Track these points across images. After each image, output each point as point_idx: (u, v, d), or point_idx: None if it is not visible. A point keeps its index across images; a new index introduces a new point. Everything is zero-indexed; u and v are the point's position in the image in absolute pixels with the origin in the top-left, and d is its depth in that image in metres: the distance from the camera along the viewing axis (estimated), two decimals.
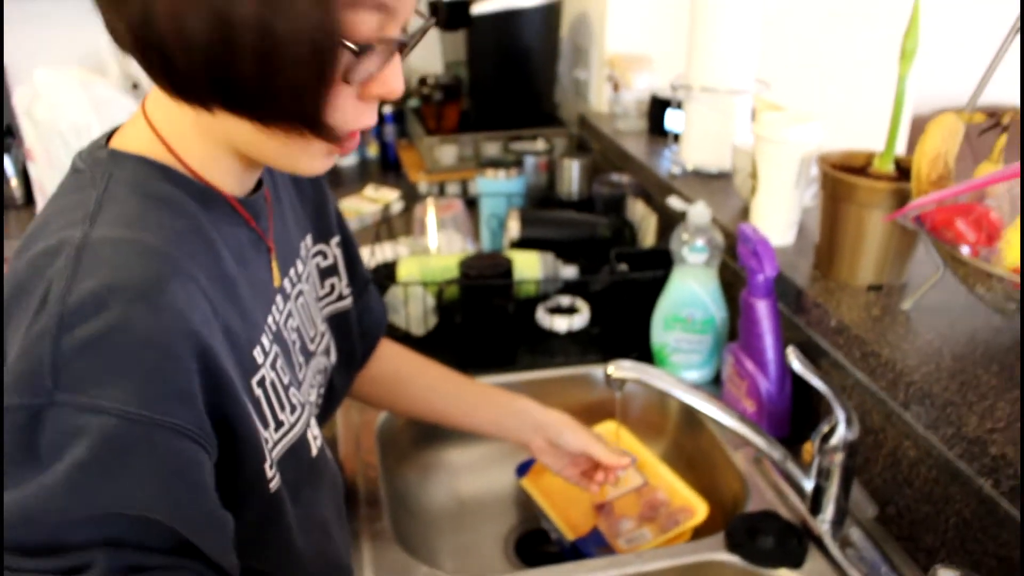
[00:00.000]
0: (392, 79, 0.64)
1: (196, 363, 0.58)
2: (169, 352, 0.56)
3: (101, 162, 0.65)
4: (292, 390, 0.74)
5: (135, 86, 2.39)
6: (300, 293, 0.83)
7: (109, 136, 0.69)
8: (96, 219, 0.59)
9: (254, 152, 0.66)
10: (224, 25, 0.54)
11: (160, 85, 0.61)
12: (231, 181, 0.70)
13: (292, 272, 0.82)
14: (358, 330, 1.00)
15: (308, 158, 0.67)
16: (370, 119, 0.66)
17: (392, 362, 1.09)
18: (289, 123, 0.60)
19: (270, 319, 0.74)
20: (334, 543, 0.81)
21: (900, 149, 1.05)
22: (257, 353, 0.68)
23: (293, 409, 0.73)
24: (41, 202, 2.14)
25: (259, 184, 0.76)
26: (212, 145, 0.67)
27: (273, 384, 0.70)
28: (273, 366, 0.71)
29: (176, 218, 0.63)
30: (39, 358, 0.53)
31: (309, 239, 0.90)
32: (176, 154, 0.66)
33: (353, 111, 0.64)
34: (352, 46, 0.58)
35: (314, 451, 0.77)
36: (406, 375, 1.09)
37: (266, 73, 0.56)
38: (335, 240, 0.95)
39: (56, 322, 0.53)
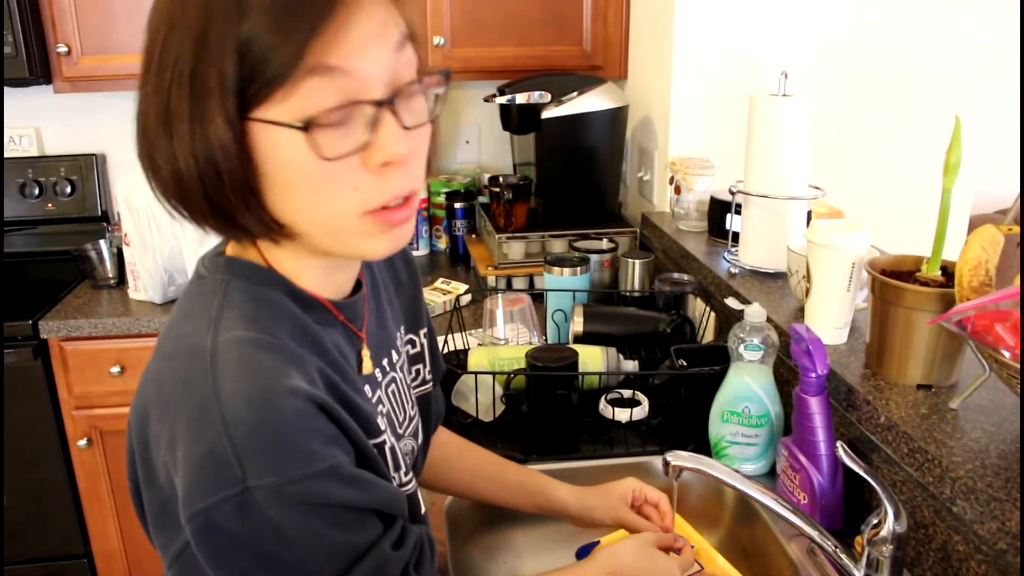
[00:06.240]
0: (389, 143, 0.66)
1: (325, 418, 0.69)
2: (308, 416, 0.67)
3: (220, 268, 0.76)
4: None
5: None
6: (392, 380, 0.92)
7: (226, 242, 0.80)
8: (219, 324, 0.70)
9: (319, 248, 0.73)
10: (176, 170, 0.67)
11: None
12: (324, 284, 0.79)
13: (385, 361, 0.91)
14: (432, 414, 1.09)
15: (364, 241, 0.71)
16: (398, 186, 0.69)
17: (439, 446, 1.17)
18: (262, 229, 0.70)
19: None
20: None
21: (956, 251, 1.10)
22: (380, 421, 0.79)
23: (406, 472, 0.86)
24: (132, 283, 2.30)
25: (358, 285, 0.85)
26: (295, 256, 0.76)
27: (392, 448, 0.82)
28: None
29: (283, 319, 0.74)
30: (223, 456, 0.63)
31: (403, 329, 0.99)
32: (269, 264, 0.76)
33: (369, 183, 0.67)
34: (296, 124, 0.63)
35: (423, 508, 0.89)
36: (452, 458, 1.18)
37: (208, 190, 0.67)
38: (423, 331, 1.05)
39: (223, 425, 0.64)
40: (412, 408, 0.98)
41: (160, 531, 0.72)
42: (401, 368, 0.95)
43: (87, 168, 2.67)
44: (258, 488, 0.63)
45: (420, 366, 1.04)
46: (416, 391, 1.03)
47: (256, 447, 0.64)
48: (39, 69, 2.31)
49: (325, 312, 0.80)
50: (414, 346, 1.03)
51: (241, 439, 0.63)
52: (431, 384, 1.07)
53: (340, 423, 0.70)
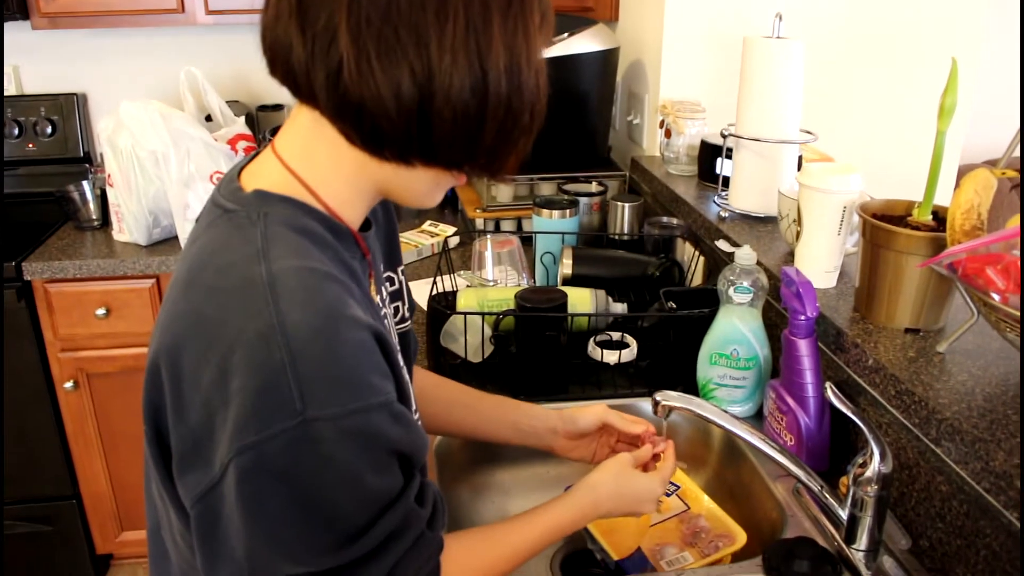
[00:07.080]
0: None
1: (379, 351, 0.70)
2: (369, 349, 0.68)
3: (251, 202, 0.74)
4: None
5: (208, 118, 2.52)
6: (385, 315, 0.92)
7: (237, 174, 0.78)
8: (268, 254, 0.69)
9: (403, 194, 0.78)
10: (481, 103, 0.68)
11: (369, 145, 0.71)
12: (356, 218, 0.80)
13: (378, 298, 0.91)
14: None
15: (440, 192, 0.80)
16: None
17: (414, 382, 1.17)
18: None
19: None
20: None
21: (946, 198, 1.10)
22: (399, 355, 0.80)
23: (415, 408, 0.87)
24: (116, 225, 2.27)
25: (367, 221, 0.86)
26: (354, 189, 0.77)
27: (405, 381, 0.83)
28: None
29: (324, 248, 0.74)
30: (284, 387, 0.63)
31: (381, 266, 0.99)
32: (317, 196, 0.76)
33: None
34: None
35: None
36: (427, 392, 1.17)
37: (503, 137, 0.72)
38: (400, 268, 1.05)
39: (287, 355, 0.63)
40: (396, 344, 0.98)
41: (187, 472, 0.69)
42: (386, 303, 0.96)
43: (68, 108, 2.63)
44: (316, 420, 0.63)
45: (399, 303, 1.05)
46: (398, 328, 1.03)
47: (320, 378, 0.64)
48: (16, 4, 2.25)
49: (353, 244, 0.80)
50: (392, 283, 1.03)
51: (306, 370, 0.63)
52: (409, 321, 1.07)
53: (389, 356, 0.71)
